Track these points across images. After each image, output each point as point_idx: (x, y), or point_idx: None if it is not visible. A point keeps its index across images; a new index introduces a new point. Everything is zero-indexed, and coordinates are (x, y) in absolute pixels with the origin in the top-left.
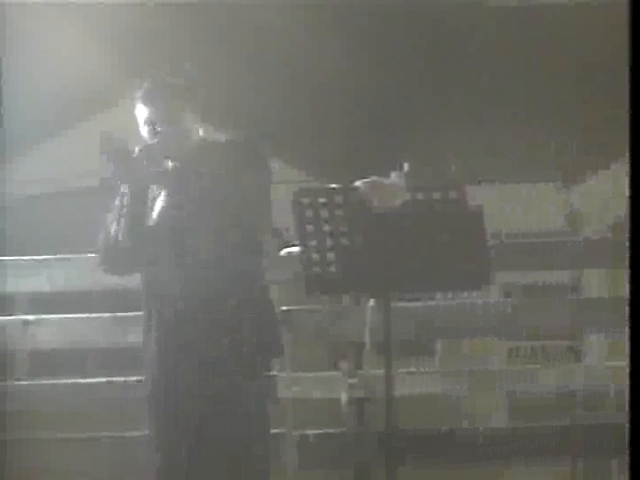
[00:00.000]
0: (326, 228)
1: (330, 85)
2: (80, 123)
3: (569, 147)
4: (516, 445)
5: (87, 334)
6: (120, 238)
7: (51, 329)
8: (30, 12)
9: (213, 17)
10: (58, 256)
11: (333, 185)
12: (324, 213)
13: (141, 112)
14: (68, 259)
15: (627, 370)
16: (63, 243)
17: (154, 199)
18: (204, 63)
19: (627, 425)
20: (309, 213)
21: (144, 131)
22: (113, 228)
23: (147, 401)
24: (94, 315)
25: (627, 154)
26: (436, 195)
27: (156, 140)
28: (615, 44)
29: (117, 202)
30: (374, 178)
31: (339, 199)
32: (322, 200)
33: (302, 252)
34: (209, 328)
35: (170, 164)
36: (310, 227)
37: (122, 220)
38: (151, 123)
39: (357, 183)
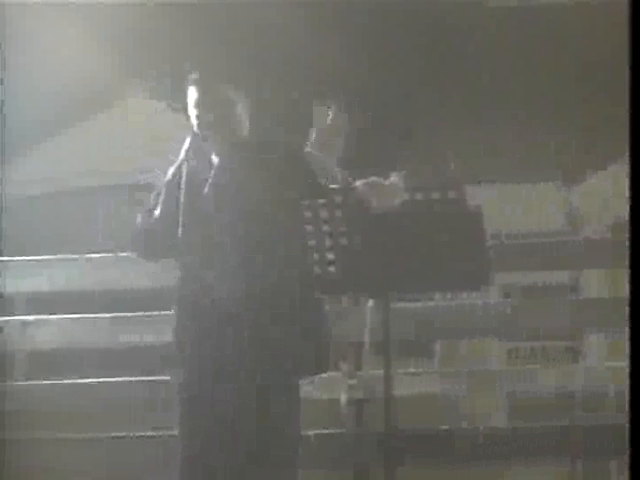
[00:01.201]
0: (325, 228)
1: (330, 85)
2: (80, 123)
3: (569, 147)
4: (515, 445)
5: (86, 334)
6: (162, 223)
7: (50, 329)
8: (30, 12)
9: (213, 17)
10: (58, 256)
11: (332, 185)
12: (323, 213)
13: (192, 94)
14: (68, 259)
15: (627, 370)
16: (63, 243)
17: (199, 190)
18: (204, 63)
19: (627, 425)
20: (308, 213)
21: (193, 114)
22: (157, 212)
23: (179, 402)
24: (93, 315)
25: (627, 154)
26: (435, 195)
27: (205, 131)
28: (615, 44)
29: (163, 188)
30: (373, 178)
31: (338, 199)
32: (321, 200)
33: (302, 252)
34: (251, 333)
35: (216, 159)
36: (309, 227)
37: (163, 201)
38: (203, 106)
39: (356, 183)
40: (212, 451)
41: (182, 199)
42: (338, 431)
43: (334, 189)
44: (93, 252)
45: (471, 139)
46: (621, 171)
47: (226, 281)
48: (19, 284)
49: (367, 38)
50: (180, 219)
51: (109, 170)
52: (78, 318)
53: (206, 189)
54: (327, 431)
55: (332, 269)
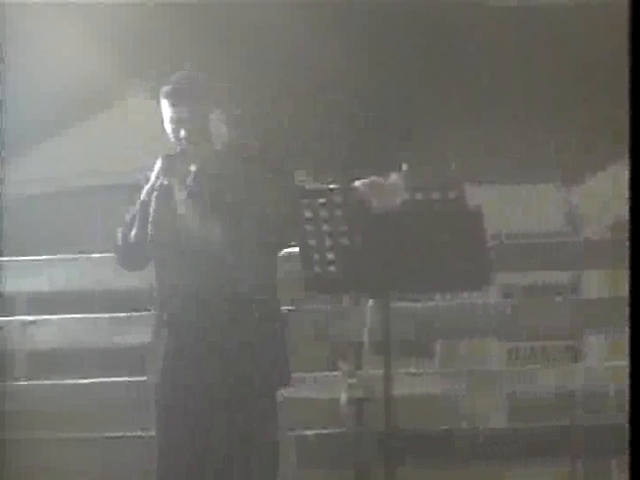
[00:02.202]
0: (325, 228)
1: (331, 84)
2: (80, 123)
3: (569, 147)
4: (516, 445)
5: (86, 334)
6: (134, 238)
7: (50, 329)
8: (30, 12)
9: (213, 17)
10: (58, 256)
11: (332, 185)
12: (324, 213)
13: (166, 109)
14: (68, 259)
15: (627, 370)
16: (63, 243)
17: (175, 200)
18: (204, 63)
19: (627, 425)
20: (308, 213)
21: (168, 129)
22: (133, 233)
23: (155, 403)
24: (93, 315)
25: (627, 154)
26: (435, 195)
27: (179, 149)
28: (615, 44)
29: (138, 206)
30: (373, 178)
31: (338, 199)
32: (321, 200)
33: (301, 252)
34: (220, 337)
35: (193, 167)
36: (309, 227)
37: (139, 218)
38: (176, 122)
39: (356, 183)
40: (187, 453)
41: (154, 217)
42: (338, 431)
43: (334, 189)
44: (93, 252)
45: (471, 139)
46: (621, 171)
47: (199, 289)
48: (19, 284)
49: (367, 38)
50: (153, 235)
51: (109, 170)
52: (78, 318)
53: (182, 205)
54: (327, 431)
55: (332, 269)
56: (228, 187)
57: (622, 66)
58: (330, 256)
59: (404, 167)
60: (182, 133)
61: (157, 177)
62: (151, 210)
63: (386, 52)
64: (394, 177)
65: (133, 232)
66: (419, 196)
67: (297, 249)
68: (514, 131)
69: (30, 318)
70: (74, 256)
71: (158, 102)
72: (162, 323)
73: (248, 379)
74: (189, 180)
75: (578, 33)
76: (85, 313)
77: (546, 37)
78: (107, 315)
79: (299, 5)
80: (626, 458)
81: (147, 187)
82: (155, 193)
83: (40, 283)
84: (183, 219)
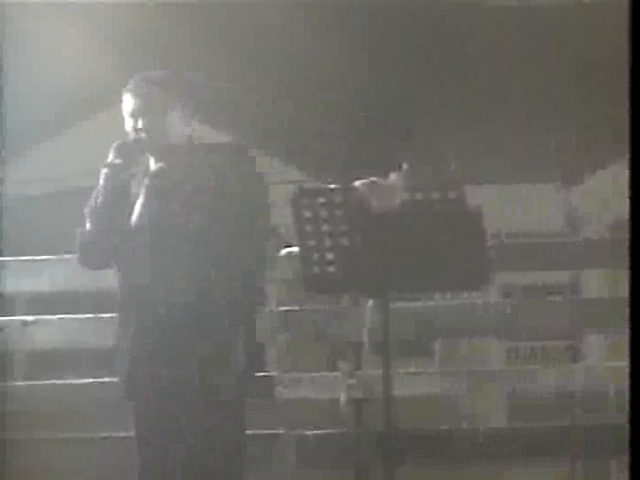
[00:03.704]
0: (325, 228)
1: (331, 84)
2: (80, 122)
3: (569, 147)
4: (515, 445)
5: (86, 335)
6: (94, 235)
7: (50, 329)
8: (30, 12)
9: (213, 17)
10: (58, 256)
11: (332, 185)
12: (323, 213)
13: (127, 104)
14: (68, 259)
15: (627, 371)
16: (63, 243)
17: (134, 198)
18: (204, 63)
19: (627, 425)
20: (308, 213)
21: (127, 123)
22: (88, 224)
23: (128, 403)
24: (93, 315)
25: (627, 154)
26: (435, 195)
27: (134, 137)
28: (615, 43)
29: (92, 200)
30: (373, 178)
31: (338, 199)
32: (321, 200)
33: (301, 252)
34: (187, 335)
35: (153, 164)
36: (309, 227)
37: (98, 216)
38: (134, 116)
39: (356, 183)
40: (161, 453)
41: (109, 213)
42: (338, 431)
43: (334, 189)
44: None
45: (471, 139)
46: (621, 171)
47: (163, 285)
48: (19, 284)
49: (367, 38)
50: (111, 228)
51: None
52: (78, 318)
53: (141, 197)
54: (327, 431)
55: (332, 269)
56: (186, 180)
57: (622, 65)
58: (329, 256)
59: (404, 167)
60: (139, 123)
61: (112, 164)
62: (106, 201)
63: (386, 52)
64: (394, 177)
65: (88, 225)
66: (419, 196)
67: (296, 249)
68: (514, 131)
69: (30, 318)
70: (74, 256)
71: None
72: (125, 324)
73: (215, 375)
74: (146, 171)
75: (578, 32)
76: (85, 313)
77: (546, 37)
78: (106, 315)
79: (299, 5)
80: (626, 458)
81: (102, 176)
82: (110, 182)
83: (40, 283)
84: (140, 212)
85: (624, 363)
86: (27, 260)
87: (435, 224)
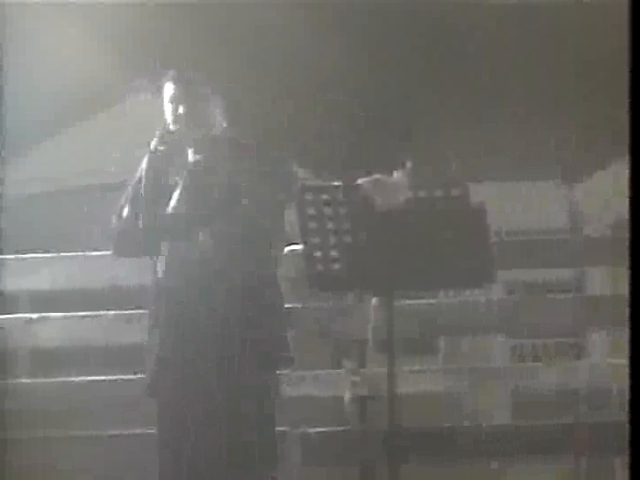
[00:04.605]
0: (329, 226)
1: (331, 84)
2: (80, 122)
3: (570, 145)
4: (519, 443)
5: (89, 332)
6: (131, 222)
7: (53, 327)
8: (30, 12)
9: (213, 17)
10: (59, 254)
11: (336, 183)
12: (327, 210)
13: (168, 90)
14: (69, 257)
15: (627, 370)
16: (64, 241)
17: (172, 188)
18: (204, 63)
19: (627, 425)
20: (312, 211)
21: (167, 109)
22: (125, 212)
23: (155, 400)
24: (96, 313)
25: (627, 152)
26: (438, 193)
27: (176, 125)
28: (615, 42)
29: (130, 188)
30: (377, 176)
31: (342, 197)
32: (325, 197)
33: (305, 249)
34: (215, 327)
35: (191, 156)
36: (313, 224)
37: (135, 205)
38: (175, 101)
39: (360, 181)
40: (185, 452)
41: (149, 200)
42: (342, 428)
43: (338, 186)
44: (94, 250)
45: (471, 138)
46: (621, 169)
47: (197, 280)
48: (21, 282)
49: (367, 38)
50: (147, 219)
51: (109, 170)
52: (80, 316)
53: (178, 189)
54: (331, 428)
55: (336, 266)
56: (223, 173)
57: (622, 64)
58: (334, 254)
59: (408, 164)
60: (180, 109)
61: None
62: (146, 188)
63: (386, 52)
64: (397, 175)
65: (126, 212)
66: (422, 194)
67: (300, 246)
68: (514, 129)
69: (32, 316)
70: (75, 254)
71: (159, 101)
72: (154, 321)
73: (245, 375)
74: (184, 162)
75: (578, 31)
76: (87, 311)
77: (546, 35)
78: (109, 313)
79: (299, 5)
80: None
81: (143, 165)
82: (151, 169)
83: (42, 281)
84: (176, 204)
85: (626, 361)
86: (28, 258)
87: (439, 222)
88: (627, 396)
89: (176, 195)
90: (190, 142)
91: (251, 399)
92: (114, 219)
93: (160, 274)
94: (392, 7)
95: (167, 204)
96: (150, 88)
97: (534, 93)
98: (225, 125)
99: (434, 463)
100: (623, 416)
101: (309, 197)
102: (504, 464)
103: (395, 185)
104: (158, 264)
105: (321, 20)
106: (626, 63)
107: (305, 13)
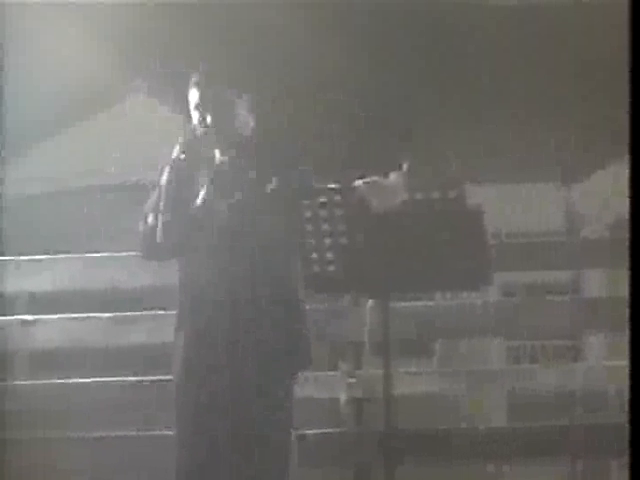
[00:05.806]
0: (325, 227)
1: (331, 84)
2: (80, 122)
3: (569, 146)
4: (515, 445)
5: (87, 334)
6: (159, 226)
7: (51, 329)
8: (30, 12)
9: (213, 17)
10: (58, 256)
11: (332, 185)
12: (323, 212)
13: (193, 97)
14: (68, 259)
15: (627, 371)
16: (63, 242)
17: (199, 190)
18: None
19: (627, 425)
20: (308, 212)
21: (194, 117)
22: (151, 218)
23: (175, 400)
24: (94, 315)
25: (627, 153)
26: (435, 194)
27: (204, 131)
28: (615, 43)
29: (156, 195)
30: (373, 178)
31: (338, 198)
32: (321, 199)
33: (301, 251)
34: (240, 329)
35: (219, 157)
36: (309, 226)
37: (161, 208)
38: (201, 109)
39: (356, 183)
40: (209, 451)
41: (175, 204)
42: (338, 430)
43: (334, 188)
44: (94, 251)
45: (471, 138)
46: (621, 170)
47: (223, 281)
48: (20, 283)
49: (367, 38)
50: (176, 220)
51: (109, 170)
52: (79, 317)
53: (205, 189)
54: (327, 430)
55: (332, 268)
56: (252, 174)
57: (622, 65)
58: (329, 255)
59: (405, 166)
60: (209, 119)
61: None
62: (169, 195)
63: (386, 52)
64: (394, 177)
65: (151, 219)
66: (419, 195)
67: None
68: (514, 130)
69: (31, 317)
70: (75, 256)
71: (158, 101)
72: (181, 323)
73: (266, 377)
74: (213, 165)
75: (578, 32)
76: (86, 312)
77: (546, 36)
78: (109, 314)
79: (299, 5)
80: (626, 458)
81: (167, 170)
82: (174, 177)
83: (41, 282)
84: (204, 205)
85: (624, 363)
86: (27, 260)
87: (435, 223)
88: (626, 397)
89: (201, 197)
90: (217, 145)
91: (274, 401)
92: (140, 225)
93: (185, 277)
94: (392, 7)
95: (194, 205)
96: (150, 88)
97: (534, 94)
98: (253, 124)
99: (430, 465)
100: (620, 418)
101: (305, 199)
102: (500, 466)
103: (391, 187)
104: (183, 267)
105: (321, 20)
106: (626, 63)
107: (305, 13)
